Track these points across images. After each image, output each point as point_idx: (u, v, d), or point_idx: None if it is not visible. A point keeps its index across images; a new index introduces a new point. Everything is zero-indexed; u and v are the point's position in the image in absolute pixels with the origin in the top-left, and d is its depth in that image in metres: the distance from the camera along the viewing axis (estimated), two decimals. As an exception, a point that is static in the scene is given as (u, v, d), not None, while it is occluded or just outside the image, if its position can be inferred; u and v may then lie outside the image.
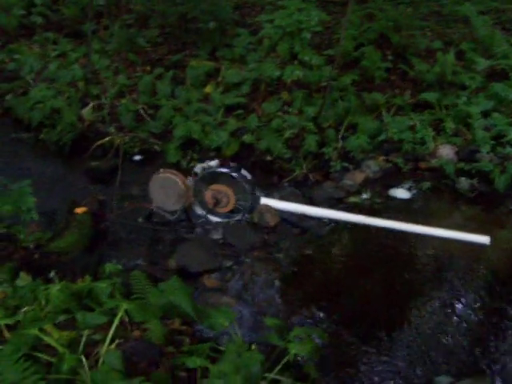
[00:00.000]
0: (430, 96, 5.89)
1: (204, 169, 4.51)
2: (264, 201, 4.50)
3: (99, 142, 5.79)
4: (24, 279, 3.46)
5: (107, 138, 5.79)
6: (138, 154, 5.73)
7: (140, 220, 4.57)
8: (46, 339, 2.70)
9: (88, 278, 3.45)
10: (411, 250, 4.20)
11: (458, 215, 4.76)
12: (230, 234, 4.32)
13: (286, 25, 6.29)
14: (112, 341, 2.84)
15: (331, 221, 4.48)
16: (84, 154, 5.73)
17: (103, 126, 6.03)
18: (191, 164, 5.43)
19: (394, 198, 4.80)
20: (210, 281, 3.86)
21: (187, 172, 4.90)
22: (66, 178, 5.38)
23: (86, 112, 6.12)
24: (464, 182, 4.93)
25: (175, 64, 6.91)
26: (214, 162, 4.61)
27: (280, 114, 5.84)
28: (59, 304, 2.98)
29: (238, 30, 7.08)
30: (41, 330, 2.81)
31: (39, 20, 7.89)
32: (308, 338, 2.97)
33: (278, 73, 6.09)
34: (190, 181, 4.45)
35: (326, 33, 7.01)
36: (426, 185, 4.95)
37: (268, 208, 4.47)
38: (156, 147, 5.74)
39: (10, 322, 2.92)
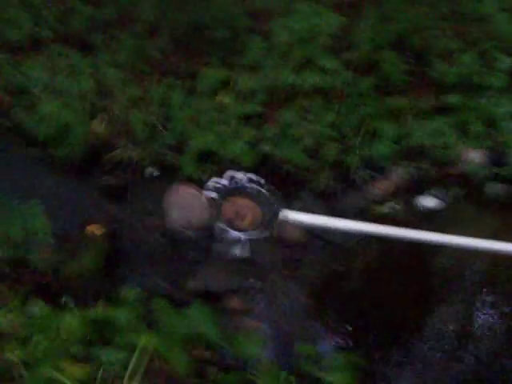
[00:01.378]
0: (454, 98, 5.65)
1: (224, 183, 4.27)
2: (286, 214, 4.24)
3: (110, 156, 5.56)
4: (35, 305, 3.23)
5: (118, 151, 5.56)
6: (152, 167, 5.49)
7: (156, 238, 4.33)
8: (62, 379, 2.45)
9: (101, 302, 3.21)
10: (447, 263, 3.93)
11: (490, 223, 4.49)
12: (252, 250, 4.08)
13: (302, 29, 6.06)
14: (132, 375, 2.60)
15: (358, 233, 4.22)
16: (95, 169, 5.50)
17: (115, 139, 5.80)
18: (208, 176, 5.19)
19: (423, 207, 4.53)
20: (234, 302, 3.62)
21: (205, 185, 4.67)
22: (77, 195, 5.16)
23: (97, 125, 5.91)
24: (494, 187, 4.67)
25: (184, 73, 6.68)
26: (239, 175, 4.37)
27: (298, 121, 5.60)
28: (74, 334, 2.74)
29: (250, 36, 6.83)
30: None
31: (47, 32, 7.68)
32: (344, 364, 2.71)
33: (294, 79, 5.85)
34: (209, 195, 4.21)
35: (342, 35, 6.74)
36: (455, 191, 4.68)
37: (291, 222, 4.22)
38: (171, 160, 5.49)
39: (21, 355, 2.68)
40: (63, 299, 3.42)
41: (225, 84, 6.34)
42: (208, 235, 4.35)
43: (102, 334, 2.87)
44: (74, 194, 5.11)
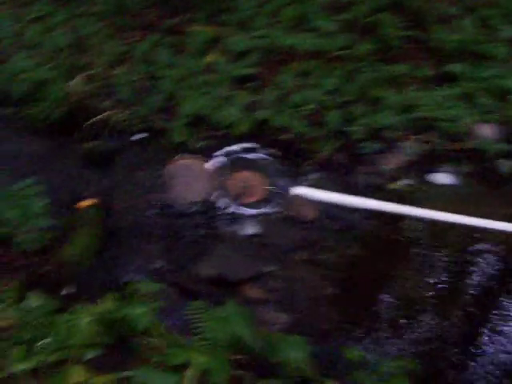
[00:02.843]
0: (457, 67, 5.42)
1: (227, 153, 3.93)
2: (297, 190, 3.95)
3: (93, 119, 5.10)
4: (34, 300, 2.84)
5: (102, 115, 5.10)
6: (138, 132, 5.06)
7: (155, 214, 3.97)
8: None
9: (111, 296, 2.85)
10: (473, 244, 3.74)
11: (504, 201, 4.32)
12: (266, 231, 3.77)
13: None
14: None
15: (375, 212, 3.97)
16: (76, 132, 5.04)
17: (96, 100, 5.33)
18: (200, 144, 4.83)
19: (436, 184, 4.31)
20: (253, 291, 3.33)
21: (199, 152, 4.32)
22: (58, 163, 4.70)
23: (75, 84, 5.41)
24: (506, 164, 4.49)
25: (170, 30, 6.20)
26: (235, 146, 4.03)
27: (296, 86, 5.27)
28: (87, 337, 2.39)
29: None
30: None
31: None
32: (400, 372, 2.46)
33: (290, 41, 5.49)
34: (214, 167, 3.86)
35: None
36: (466, 168, 4.49)
37: (304, 199, 3.93)
38: (160, 124, 5.08)
39: (28, 365, 2.32)
40: (64, 291, 3.04)
41: (214, 43, 5.91)
42: (213, 211, 4.02)
43: (119, 335, 2.53)
44: (56, 161, 4.65)
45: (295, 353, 2.46)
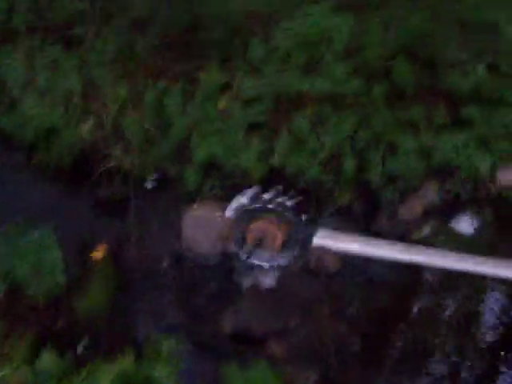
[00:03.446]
0: (471, 111, 5.35)
1: (243, 202, 3.80)
2: (318, 240, 3.81)
3: (103, 165, 5.01)
4: (47, 359, 2.65)
5: (113, 161, 5.01)
6: (150, 179, 4.95)
7: (170, 264, 3.82)
8: None
9: (129, 354, 2.68)
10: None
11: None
12: (287, 283, 3.62)
13: (309, 33, 5.66)
14: None
15: (397, 262, 3.83)
16: (86, 179, 4.94)
17: (106, 146, 5.25)
18: (214, 191, 4.72)
19: (459, 233, 4.17)
20: (278, 347, 3.15)
21: (214, 200, 4.20)
22: (69, 210, 4.58)
23: (86, 130, 5.34)
24: (529, 210, 4.37)
25: (181, 76, 6.15)
26: (251, 192, 3.91)
27: (309, 131, 5.19)
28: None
29: (250, 39, 6.35)
30: None
31: (22, 26, 6.99)
32: None
33: (303, 85, 5.44)
34: (232, 216, 3.73)
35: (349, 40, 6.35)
36: (489, 214, 4.35)
37: (326, 249, 3.79)
38: (172, 171, 4.98)
39: None
40: (79, 349, 2.87)
41: (225, 89, 5.86)
42: (231, 262, 3.86)
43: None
44: (68, 209, 4.53)
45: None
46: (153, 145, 5.21)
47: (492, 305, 3.68)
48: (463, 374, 3.14)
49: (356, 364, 3.15)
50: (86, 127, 5.39)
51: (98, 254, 3.66)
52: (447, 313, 3.66)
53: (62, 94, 5.68)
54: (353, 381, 3.08)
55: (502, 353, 3.31)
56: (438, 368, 3.28)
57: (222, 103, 5.67)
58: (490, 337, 3.46)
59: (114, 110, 5.59)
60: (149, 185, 4.89)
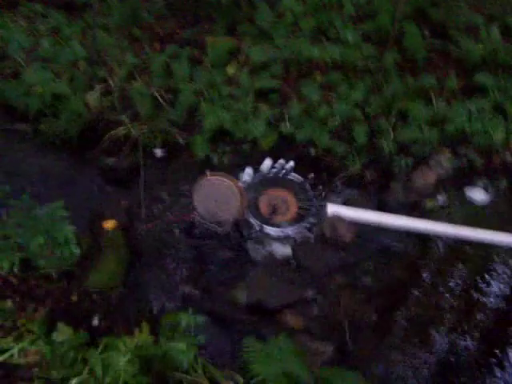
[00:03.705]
0: (485, 78, 5.24)
1: (255, 170, 3.74)
2: (331, 209, 3.76)
3: (111, 134, 4.93)
4: (63, 332, 2.63)
5: (121, 129, 4.93)
6: (158, 147, 4.89)
7: (178, 235, 3.77)
8: None
9: (145, 326, 2.65)
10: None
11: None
12: (301, 253, 3.58)
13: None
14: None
15: (413, 232, 3.78)
16: (94, 148, 4.87)
17: (114, 114, 5.16)
18: (224, 159, 4.66)
19: (473, 201, 4.12)
20: (293, 319, 3.13)
21: (224, 168, 4.14)
22: (77, 179, 4.52)
23: (93, 98, 5.24)
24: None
25: (187, 41, 6.04)
26: (266, 163, 3.84)
27: (320, 99, 5.09)
28: (125, 377, 2.19)
29: (256, 3, 6.20)
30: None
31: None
32: None
33: (313, 51, 5.32)
34: (244, 186, 3.68)
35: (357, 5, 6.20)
36: (503, 183, 4.29)
37: (340, 219, 3.74)
38: (179, 139, 4.91)
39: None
40: (94, 321, 2.84)
41: (234, 54, 5.74)
42: (244, 232, 3.82)
43: (158, 373, 2.33)
44: (76, 179, 4.47)
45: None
46: (161, 112, 5.11)
47: (501, 274, 3.64)
48: (468, 343, 3.10)
49: (370, 335, 3.13)
50: (93, 95, 5.28)
51: (109, 224, 3.60)
52: (457, 281, 3.62)
53: (66, 61, 5.55)
54: (367, 351, 3.05)
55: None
56: (443, 340, 3.24)
57: (231, 69, 5.57)
58: (496, 305, 3.42)
59: (121, 77, 5.48)
60: (158, 153, 4.80)
